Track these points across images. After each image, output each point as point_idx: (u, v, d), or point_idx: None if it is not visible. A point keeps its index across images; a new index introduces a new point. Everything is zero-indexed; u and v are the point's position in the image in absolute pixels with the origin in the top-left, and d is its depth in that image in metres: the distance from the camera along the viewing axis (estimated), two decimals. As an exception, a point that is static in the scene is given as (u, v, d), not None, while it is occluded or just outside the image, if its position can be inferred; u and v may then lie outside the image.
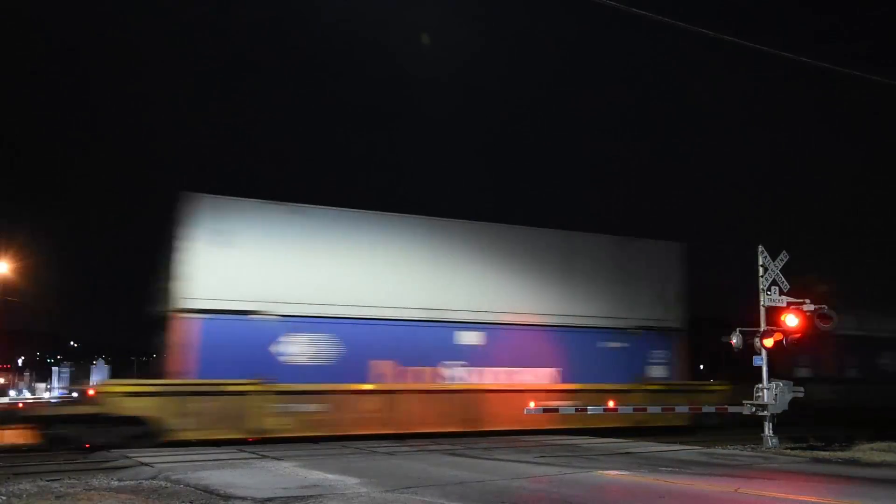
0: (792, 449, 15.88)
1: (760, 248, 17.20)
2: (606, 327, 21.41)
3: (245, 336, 17.58)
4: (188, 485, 10.24)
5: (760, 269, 17.12)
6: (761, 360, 16.86)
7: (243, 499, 9.09)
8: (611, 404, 18.89)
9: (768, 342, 16.61)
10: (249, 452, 14.50)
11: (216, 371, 17.06)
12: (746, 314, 17.52)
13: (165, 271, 18.11)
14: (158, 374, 18.31)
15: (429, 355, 19.33)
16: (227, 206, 18.20)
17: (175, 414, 16.57)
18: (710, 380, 24.75)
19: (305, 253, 18.72)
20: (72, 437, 16.14)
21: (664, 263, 22.61)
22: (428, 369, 19.29)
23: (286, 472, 11.49)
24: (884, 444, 15.78)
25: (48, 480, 10.69)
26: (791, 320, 16.68)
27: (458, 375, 19.55)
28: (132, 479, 10.96)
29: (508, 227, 21.57)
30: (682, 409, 19.04)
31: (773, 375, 16.90)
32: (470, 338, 19.90)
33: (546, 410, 18.64)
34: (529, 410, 18.52)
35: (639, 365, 21.63)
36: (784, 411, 16.75)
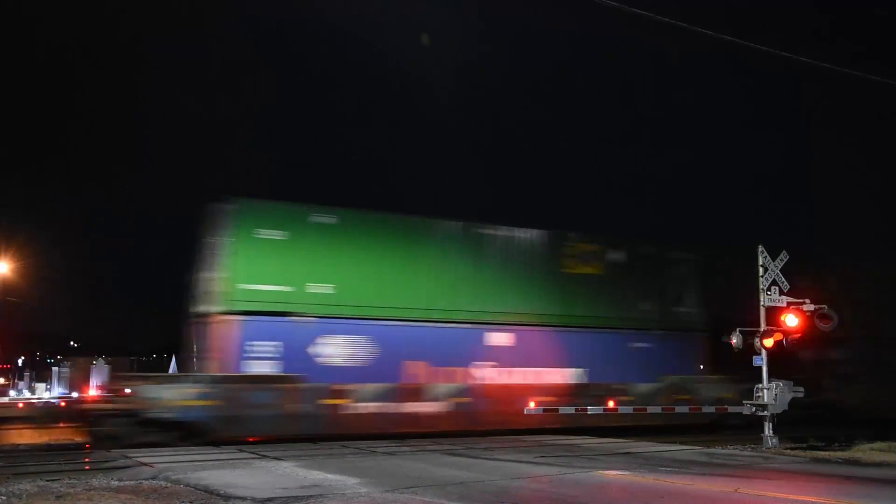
0: (792, 449, 15.87)
1: (760, 248, 17.14)
2: None
3: None
4: (188, 485, 10.24)
5: (760, 269, 17.07)
6: (761, 360, 16.84)
7: (243, 499, 9.10)
8: (611, 404, 18.90)
9: (768, 342, 16.61)
10: (249, 452, 14.49)
11: None
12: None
13: None
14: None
15: None
16: None
17: None
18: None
19: None
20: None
21: None
22: None
23: (286, 472, 11.49)
24: (884, 444, 15.77)
25: (48, 480, 10.68)
26: (791, 320, 16.68)
27: None
28: (132, 479, 10.96)
29: None
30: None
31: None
32: None
33: (546, 410, 18.65)
34: (529, 411, 18.54)
35: None
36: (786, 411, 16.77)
